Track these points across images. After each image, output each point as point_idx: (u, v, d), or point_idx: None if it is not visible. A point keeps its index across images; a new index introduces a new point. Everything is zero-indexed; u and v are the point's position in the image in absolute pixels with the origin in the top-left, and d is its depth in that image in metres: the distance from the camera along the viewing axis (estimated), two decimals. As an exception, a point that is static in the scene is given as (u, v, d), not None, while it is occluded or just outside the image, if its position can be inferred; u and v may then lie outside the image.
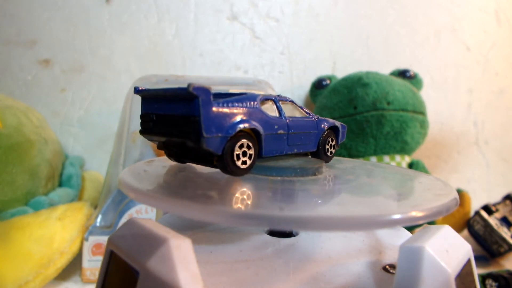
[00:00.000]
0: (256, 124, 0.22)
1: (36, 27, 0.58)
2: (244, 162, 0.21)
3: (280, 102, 0.25)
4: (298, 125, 0.25)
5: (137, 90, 0.23)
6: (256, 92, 0.26)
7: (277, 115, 0.24)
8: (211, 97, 0.19)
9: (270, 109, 0.24)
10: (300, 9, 0.64)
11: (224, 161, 0.20)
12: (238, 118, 0.21)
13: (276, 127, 0.23)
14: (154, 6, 0.61)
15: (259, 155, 0.22)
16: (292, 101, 0.26)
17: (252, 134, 0.22)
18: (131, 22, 0.60)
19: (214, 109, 0.20)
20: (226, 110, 0.20)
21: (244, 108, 0.21)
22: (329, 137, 0.28)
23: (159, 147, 0.25)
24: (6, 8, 0.57)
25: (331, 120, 0.28)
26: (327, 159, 0.28)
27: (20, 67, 0.59)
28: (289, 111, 0.25)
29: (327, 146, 0.28)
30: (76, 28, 0.59)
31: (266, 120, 0.23)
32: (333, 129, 0.28)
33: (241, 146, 0.21)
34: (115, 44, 0.60)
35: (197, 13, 0.62)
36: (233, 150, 0.20)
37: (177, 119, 0.21)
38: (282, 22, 0.64)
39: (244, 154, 0.21)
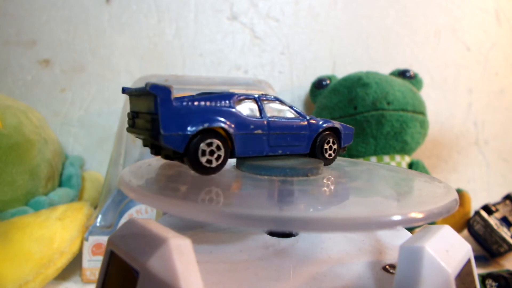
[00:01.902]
0: (223, 123, 0.21)
1: (36, 27, 0.58)
2: (209, 161, 0.21)
3: (264, 102, 0.24)
4: (282, 126, 0.24)
5: (123, 90, 0.24)
6: (256, 92, 0.26)
7: (258, 114, 0.24)
8: (171, 96, 0.20)
9: (248, 109, 0.23)
10: (300, 9, 0.64)
11: (189, 160, 0.21)
12: (202, 117, 0.21)
13: (251, 126, 0.23)
14: (154, 6, 0.61)
15: (232, 154, 0.22)
16: (280, 101, 0.25)
17: (223, 133, 0.22)
18: (131, 22, 0.60)
19: (175, 107, 0.20)
20: (190, 109, 0.20)
21: (213, 107, 0.21)
22: (327, 139, 0.26)
23: (143, 145, 0.25)
24: (6, 8, 0.57)
25: (330, 121, 0.27)
26: (327, 162, 0.27)
27: (20, 67, 0.59)
28: (276, 111, 0.25)
29: (326, 147, 0.27)
30: (76, 28, 0.59)
31: (239, 120, 0.22)
32: (334, 131, 0.27)
33: (209, 145, 0.21)
34: (115, 44, 0.60)
35: (197, 13, 0.62)
36: (197, 149, 0.20)
37: (146, 117, 0.21)
38: (282, 22, 0.64)
39: (212, 153, 0.21)
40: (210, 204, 0.18)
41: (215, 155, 0.21)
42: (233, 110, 0.22)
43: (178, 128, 0.20)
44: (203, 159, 0.21)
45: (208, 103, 0.21)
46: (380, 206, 0.20)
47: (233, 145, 0.22)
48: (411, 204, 0.20)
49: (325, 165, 0.27)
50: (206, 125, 0.21)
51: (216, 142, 0.21)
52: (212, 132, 0.21)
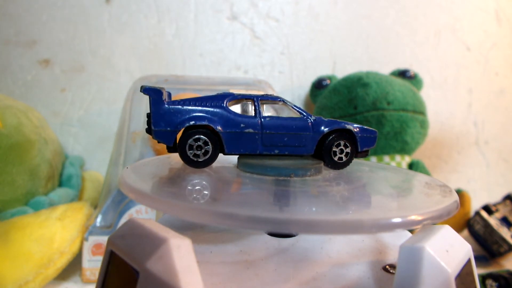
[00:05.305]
0: (209, 121, 0.23)
1: (36, 27, 0.58)
2: (196, 155, 0.23)
3: (264, 102, 0.25)
4: (279, 125, 0.24)
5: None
6: (255, 92, 0.26)
7: (253, 114, 0.24)
8: (162, 97, 0.23)
9: (243, 109, 0.24)
10: (300, 9, 0.64)
11: (178, 153, 0.23)
12: (189, 115, 0.23)
13: (242, 125, 0.24)
14: (154, 6, 0.61)
15: (222, 151, 0.24)
16: (283, 101, 0.25)
17: (215, 131, 0.24)
18: (131, 22, 0.60)
19: (165, 107, 0.23)
20: (179, 108, 0.23)
21: (202, 107, 0.23)
22: (337, 141, 0.25)
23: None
24: (6, 8, 0.57)
25: (341, 123, 0.25)
26: (336, 166, 0.26)
27: (20, 67, 0.59)
28: (276, 111, 0.25)
29: (336, 150, 0.25)
30: (76, 28, 0.59)
31: (229, 118, 0.24)
32: (348, 133, 0.26)
33: (196, 140, 0.23)
34: (115, 44, 0.60)
35: (197, 13, 0.62)
36: (185, 143, 0.23)
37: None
38: (282, 22, 0.64)
39: (199, 148, 0.23)
40: (208, 205, 0.18)
41: (203, 150, 0.23)
42: (224, 109, 0.24)
43: (167, 125, 0.23)
44: (190, 153, 0.23)
45: (198, 103, 0.24)
46: (380, 208, 0.20)
47: (222, 142, 0.24)
48: (411, 206, 0.20)
49: (334, 168, 0.26)
50: (192, 122, 0.23)
51: (204, 138, 0.23)
52: (202, 129, 0.23)
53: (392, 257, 0.22)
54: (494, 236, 0.47)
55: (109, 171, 0.44)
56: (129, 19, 0.60)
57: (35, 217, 0.37)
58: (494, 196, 0.67)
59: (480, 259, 0.48)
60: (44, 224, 0.37)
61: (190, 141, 0.23)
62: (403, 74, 0.58)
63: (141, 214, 0.41)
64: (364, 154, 0.27)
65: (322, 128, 0.25)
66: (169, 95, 0.25)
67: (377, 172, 0.28)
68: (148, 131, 0.24)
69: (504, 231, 0.48)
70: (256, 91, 0.49)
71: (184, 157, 0.23)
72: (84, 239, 0.39)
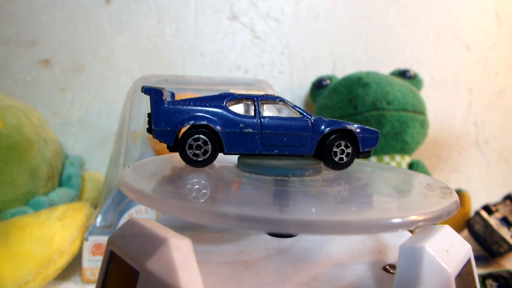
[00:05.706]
0: (209, 121, 0.24)
1: (36, 27, 0.58)
2: (196, 154, 0.24)
3: (264, 102, 0.25)
4: (278, 125, 0.24)
5: None
6: (255, 92, 0.26)
7: (252, 114, 0.24)
8: (163, 97, 0.23)
9: (243, 109, 0.25)
10: (300, 9, 0.64)
11: (179, 152, 0.24)
12: (189, 115, 0.23)
13: (241, 125, 0.24)
14: (154, 6, 0.61)
15: (222, 151, 0.24)
16: (283, 101, 0.25)
17: (214, 131, 0.24)
18: (131, 22, 0.60)
19: (166, 107, 0.23)
20: (179, 108, 0.23)
21: (202, 107, 0.24)
22: (337, 142, 0.25)
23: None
24: (6, 8, 0.57)
25: (341, 123, 0.25)
26: (337, 166, 0.26)
27: (20, 67, 0.59)
28: (277, 111, 0.25)
29: (336, 151, 0.25)
30: (76, 28, 0.59)
31: (227, 118, 0.24)
32: (349, 133, 0.25)
33: (196, 140, 0.23)
34: (115, 44, 0.60)
35: (197, 13, 0.62)
36: (185, 143, 0.23)
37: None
38: (282, 22, 0.64)
39: (199, 147, 0.24)
40: (207, 205, 0.18)
41: (202, 150, 0.24)
42: (223, 109, 0.24)
43: (167, 125, 0.23)
44: (190, 153, 0.24)
45: (198, 103, 0.24)
46: (380, 208, 0.20)
47: (222, 142, 0.24)
48: (411, 206, 0.20)
49: (335, 169, 0.26)
50: (191, 122, 0.23)
51: (203, 138, 0.23)
52: (202, 129, 0.24)
53: (392, 257, 0.22)
54: (494, 236, 0.47)
55: (109, 171, 0.44)
56: (129, 19, 0.60)
57: (35, 217, 0.37)
58: (494, 196, 0.67)
59: (480, 259, 0.48)
60: (44, 224, 0.37)
61: (189, 140, 0.23)
62: (403, 74, 0.58)
63: (141, 214, 0.41)
64: (366, 155, 0.26)
65: (322, 128, 0.25)
66: (172, 95, 0.26)
67: (378, 172, 0.28)
68: (149, 130, 0.24)
69: (504, 231, 0.48)
70: (256, 91, 0.49)
71: (183, 156, 0.24)
72: (84, 239, 0.39)
